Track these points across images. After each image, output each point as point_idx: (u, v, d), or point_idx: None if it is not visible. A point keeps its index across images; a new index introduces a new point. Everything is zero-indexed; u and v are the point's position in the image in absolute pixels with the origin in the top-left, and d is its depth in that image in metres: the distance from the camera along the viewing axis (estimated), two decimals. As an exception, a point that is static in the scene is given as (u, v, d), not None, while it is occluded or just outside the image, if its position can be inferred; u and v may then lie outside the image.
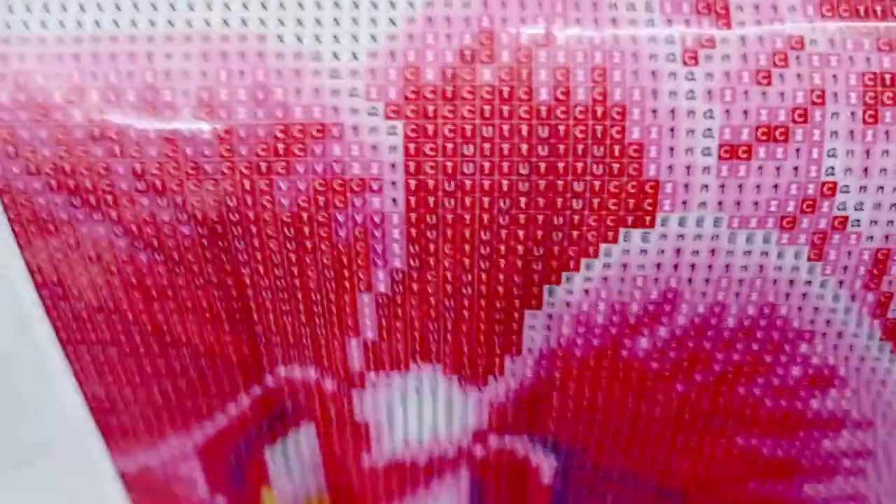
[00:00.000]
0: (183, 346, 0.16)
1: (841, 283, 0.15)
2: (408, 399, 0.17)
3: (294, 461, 0.18)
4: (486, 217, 0.14)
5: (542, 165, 0.14)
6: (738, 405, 0.17)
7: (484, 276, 0.15)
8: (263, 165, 0.14)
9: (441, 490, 0.18)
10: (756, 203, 0.14)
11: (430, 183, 0.14)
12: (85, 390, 0.17)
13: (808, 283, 0.15)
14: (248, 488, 0.19)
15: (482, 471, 0.18)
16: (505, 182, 0.14)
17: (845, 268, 0.15)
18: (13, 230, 0.15)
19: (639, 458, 0.18)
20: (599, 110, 0.14)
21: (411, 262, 0.15)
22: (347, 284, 0.15)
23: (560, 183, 0.14)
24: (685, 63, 0.14)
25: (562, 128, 0.14)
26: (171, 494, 0.19)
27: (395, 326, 0.16)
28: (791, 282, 0.15)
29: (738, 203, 0.14)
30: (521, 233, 0.15)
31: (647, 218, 0.14)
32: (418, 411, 0.17)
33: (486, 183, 0.14)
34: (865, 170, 0.14)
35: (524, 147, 0.14)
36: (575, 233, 0.15)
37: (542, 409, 0.17)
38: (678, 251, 0.15)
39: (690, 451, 0.18)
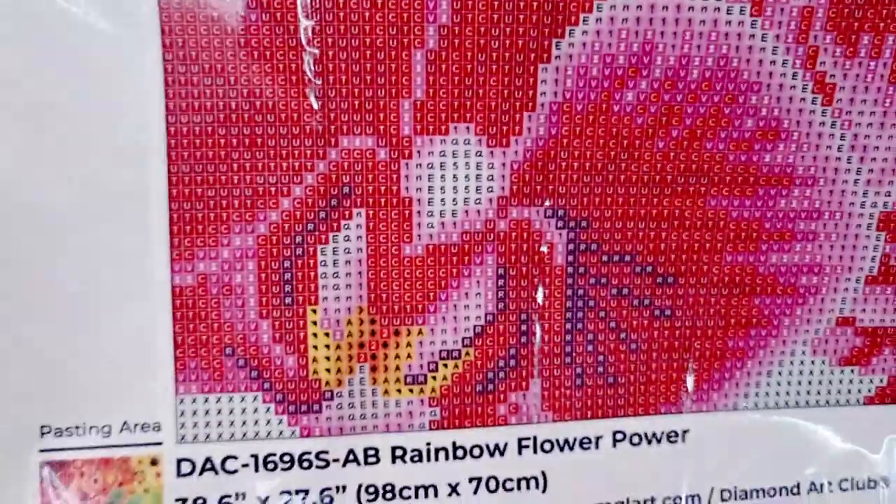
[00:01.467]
0: (267, 113, 0.20)
1: (777, 36, 0.20)
2: (446, 167, 0.21)
3: (342, 263, 0.22)
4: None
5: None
6: (707, 162, 0.21)
7: (508, 30, 0.20)
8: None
9: (471, 282, 0.22)
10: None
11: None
12: (172, 178, 0.21)
13: (752, 36, 0.20)
14: (295, 309, 0.22)
15: (506, 252, 0.22)
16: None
17: (780, 23, 0.20)
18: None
19: (634, 236, 0.22)
20: None
21: (454, 18, 0.20)
22: (405, 41, 0.20)
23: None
24: None
25: None
26: (219, 327, 0.22)
27: (439, 84, 0.20)
28: (738, 35, 0.20)
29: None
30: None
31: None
32: (453, 179, 0.21)
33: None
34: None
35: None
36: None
37: (553, 172, 0.21)
38: (652, 6, 0.20)
39: (673, 218, 0.22)
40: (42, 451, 0.20)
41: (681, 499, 0.23)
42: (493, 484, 0.22)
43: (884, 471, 0.24)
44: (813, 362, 0.23)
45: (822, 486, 0.24)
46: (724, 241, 0.22)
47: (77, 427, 0.20)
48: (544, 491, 0.22)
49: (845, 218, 0.22)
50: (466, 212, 0.21)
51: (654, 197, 0.22)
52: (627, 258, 0.22)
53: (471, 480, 0.22)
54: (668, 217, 0.22)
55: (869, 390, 0.24)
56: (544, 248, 0.22)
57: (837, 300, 0.23)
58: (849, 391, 0.24)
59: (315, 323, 0.21)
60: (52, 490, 0.20)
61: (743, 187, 0.22)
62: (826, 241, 0.22)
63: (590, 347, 0.22)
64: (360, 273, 0.21)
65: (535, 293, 0.22)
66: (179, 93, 0.20)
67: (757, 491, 0.23)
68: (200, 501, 0.21)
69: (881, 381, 0.24)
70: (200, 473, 0.21)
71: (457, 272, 0.22)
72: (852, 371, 0.23)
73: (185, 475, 0.21)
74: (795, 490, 0.23)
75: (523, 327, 0.22)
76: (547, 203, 0.21)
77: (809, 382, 0.23)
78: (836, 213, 0.22)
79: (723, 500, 0.23)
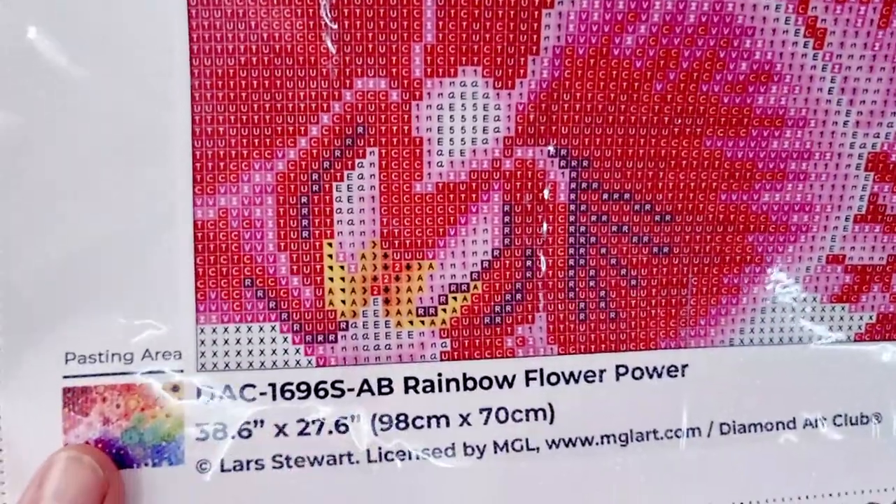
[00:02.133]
0: (286, 57, 0.21)
1: (768, -19, 0.22)
2: (455, 108, 0.22)
3: (356, 200, 0.22)
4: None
5: None
6: (703, 104, 0.23)
7: (513, -28, 0.21)
8: None
9: (478, 219, 0.23)
10: None
11: None
12: (195, 117, 0.22)
13: (743, -20, 0.22)
14: (312, 243, 0.23)
15: (511, 189, 0.23)
16: None
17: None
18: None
19: (633, 176, 0.23)
20: None
21: (462, -39, 0.21)
22: (416, -16, 0.21)
23: None
24: None
25: None
26: (239, 259, 0.23)
27: (449, 28, 0.21)
28: (731, -21, 0.22)
29: None
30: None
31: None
32: (462, 119, 0.22)
33: None
34: None
35: None
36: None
37: (556, 113, 0.22)
38: (649, -50, 0.21)
39: (671, 158, 0.23)
40: (66, 377, 0.21)
41: (681, 431, 0.24)
42: (502, 414, 0.23)
43: (875, 406, 0.25)
44: (805, 299, 0.24)
45: (816, 421, 0.25)
46: (718, 181, 0.23)
47: (100, 354, 0.21)
48: (551, 422, 0.23)
49: (835, 158, 0.23)
50: (474, 151, 0.22)
51: (653, 138, 0.23)
52: (627, 196, 0.23)
53: (481, 411, 0.23)
54: (666, 157, 0.23)
55: (859, 327, 0.25)
56: (547, 188, 0.23)
57: (827, 238, 0.24)
58: (839, 328, 0.25)
59: (331, 256, 0.22)
60: (75, 415, 0.21)
61: (737, 128, 0.23)
62: (816, 180, 0.24)
63: (592, 283, 0.23)
64: (373, 209, 0.22)
65: (539, 230, 0.23)
66: (203, 37, 0.21)
67: (754, 425, 0.24)
68: (220, 427, 0.22)
69: (870, 318, 0.25)
70: (220, 400, 0.22)
71: (465, 209, 0.23)
72: (843, 308, 0.24)
73: (205, 402, 0.22)
74: (791, 424, 0.24)
75: (528, 263, 0.23)
76: (551, 143, 0.23)
77: (802, 319, 0.24)
78: (826, 153, 0.23)
79: (722, 433, 0.24)
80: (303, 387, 0.22)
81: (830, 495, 0.25)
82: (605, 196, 0.23)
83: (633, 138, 0.23)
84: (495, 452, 0.23)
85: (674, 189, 0.23)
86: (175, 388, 0.22)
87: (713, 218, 0.23)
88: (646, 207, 0.23)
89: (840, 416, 0.25)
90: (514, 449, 0.23)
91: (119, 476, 0.21)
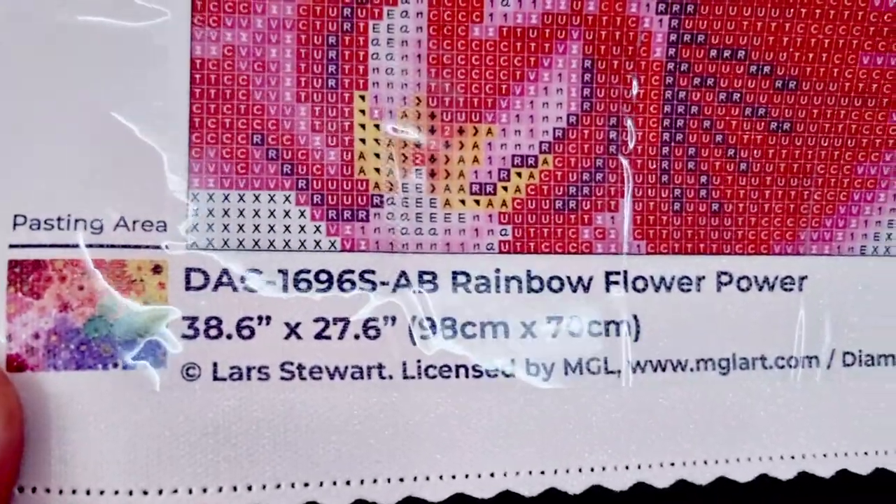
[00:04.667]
0: None
1: None
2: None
3: (398, 44, 0.18)
4: None
5: None
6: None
7: None
8: None
9: (551, 75, 0.18)
10: None
11: None
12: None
13: None
14: (339, 94, 0.18)
15: (594, 40, 0.18)
16: None
17: None
18: None
19: (751, 28, 0.18)
20: None
21: None
22: None
23: None
24: None
25: None
26: (246, 109, 0.18)
27: None
28: None
29: None
30: None
31: None
32: (536, -56, 0.17)
33: None
34: None
35: None
36: None
37: (657, -60, 0.18)
38: None
39: (800, 6, 0.18)
40: (13, 246, 0.16)
41: (795, 360, 0.19)
42: (575, 325, 0.18)
43: None
44: (956, 200, 0.19)
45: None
46: (860, 38, 0.18)
47: (59, 219, 0.16)
48: (636, 339, 0.18)
49: None
50: (550, -13, 0.18)
51: (776, -20, 0.18)
52: (741, 55, 0.18)
53: (549, 320, 0.18)
54: (794, 4, 0.18)
55: None
56: (640, 39, 0.18)
57: None
58: None
59: (363, 112, 0.17)
60: (24, 296, 0.16)
61: (881, -29, 0.18)
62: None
63: (691, 165, 0.18)
64: (418, 56, 0.17)
65: (629, 93, 0.18)
66: None
67: (886, 357, 0.19)
68: (214, 322, 0.17)
69: None
70: (215, 288, 0.17)
71: (535, 62, 0.18)
72: None
73: (195, 289, 0.17)
74: (931, 358, 0.19)
75: (612, 134, 0.18)
76: (646, -19, 0.18)
77: (950, 225, 0.19)
78: None
79: (845, 364, 0.19)
80: (323, 276, 0.17)
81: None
82: (714, 53, 0.18)
83: (751, -18, 0.18)
84: (566, 374, 0.18)
85: (802, 47, 0.18)
86: (157, 269, 0.16)
87: (850, 87, 0.19)
88: (764, 70, 0.18)
89: None
90: (589, 370, 0.18)
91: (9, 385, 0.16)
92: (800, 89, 0.18)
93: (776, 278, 0.19)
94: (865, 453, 0.19)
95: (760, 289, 0.19)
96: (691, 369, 0.18)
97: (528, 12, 0.18)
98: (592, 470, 0.17)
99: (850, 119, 0.19)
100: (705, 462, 0.18)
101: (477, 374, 0.17)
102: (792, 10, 0.18)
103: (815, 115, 0.19)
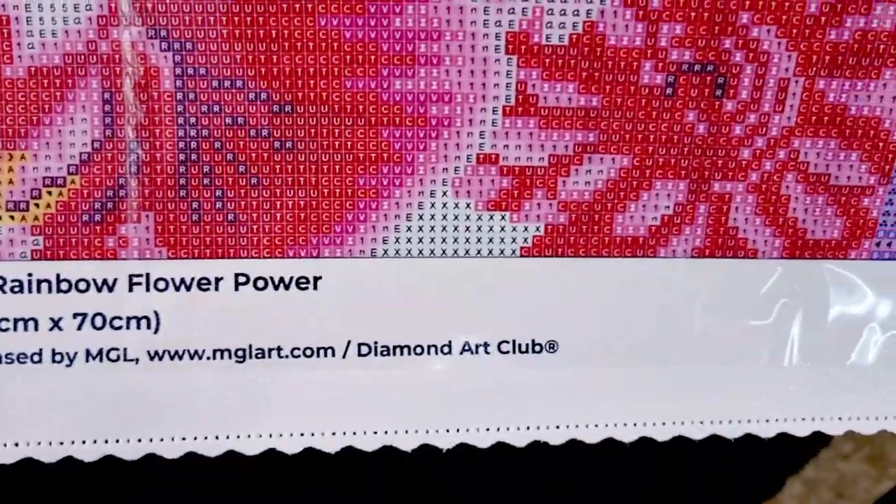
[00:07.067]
0: None
1: None
2: (38, -18, 0.20)
3: None
4: None
5: None
6: (309, -26, 0.20)
7: None
8: None
9: (76, 106, 0.21)
10: None
11: None
12: None
13: None
14: None
15: (111, 75, 0.21)
16: None
17: None
18: None
19: (244, 60, 0.20)
20: None
21: None
22: None
23: None
24: None
25: None
26: None
27: None
28: None
29: None
30: None
31: None
32: (49, -5, 0.20)
33: None
34: None
35: None
36: None
37: (149, -13, 0.20)
38: None
39: (283, 40, 0.20)
40: None
41: (311, 350, 0.21)
42: (98, 320, 0.21)
43: (550, 333, 0.22)
44: (457, 205, 0.21)
45: (477, 347, 0.22)
46: (340, 65, 0.20)
47: None
48: (156, 331, 0.21)
49: (469, 38, 0.20)
50: (67, 32, 0.20)
51: (259, 16, 0.20)
52: (240, 84, 0.21)
53: (75, 316, 0.21)
54: (278, 38, 0.20)
55: (525, 240, 0.21)
56: (151, 72, 0.21)
57: (475, 134, 0.21)
58: (502, 240, 0.21)
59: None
60: None
61: (352, 3, 0.20)
62: (452, 65, 0.20)
63: (206, 181, 0.21)
64: (-39, 94, 0.21)
65: (145, 120, 0.21)
66: None
67: (400, 348, 0.22)
68: None
69: (537, 229, 0.21)
70: None
71: (60, 96, 0.21)
72: (503, 217, 0.21)
73: None
74: (446, 349, 0.22)
75: (132, 156, 0.21)
76: (147, 23, 0.20)
77: (456, 229, 0.21)
78: (458, 32, 0.20)
79: (360, 354, 0.21)
80: None
81: (498, 429, 0.22)
82: (216, 83, 0.21)
83: (239, 16, 0.20)
84: (87, 361, 0.21)
85: (291, 75, 0.21)
86: None
87: (339, 109, 0.21)
88: (262, 97, 0.21)
89: (507, 342, 0.22)
90: (108, 358, 0.21)
91: None
92: (295, 112, 0.21)
93: (291, 279, 0.21)
94: (335, 433, 0.22)
95: (276, 288, 0.21)
96: (207, 357, 0.21)
97: (52, 53, 0.21)
98: (61, 444, 0.21)
99: (344, 137, 0.21)
100: (216, 437, 0.21)
101: (10, 361, 0.21)
102: (277, 45, 0.20)
103: (314, 134, 0.21)
